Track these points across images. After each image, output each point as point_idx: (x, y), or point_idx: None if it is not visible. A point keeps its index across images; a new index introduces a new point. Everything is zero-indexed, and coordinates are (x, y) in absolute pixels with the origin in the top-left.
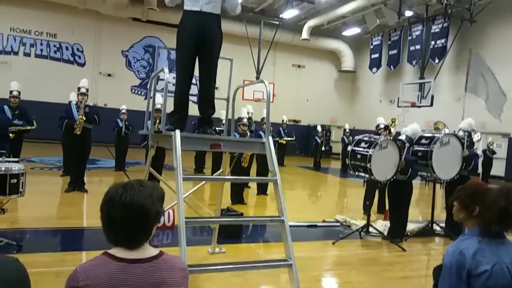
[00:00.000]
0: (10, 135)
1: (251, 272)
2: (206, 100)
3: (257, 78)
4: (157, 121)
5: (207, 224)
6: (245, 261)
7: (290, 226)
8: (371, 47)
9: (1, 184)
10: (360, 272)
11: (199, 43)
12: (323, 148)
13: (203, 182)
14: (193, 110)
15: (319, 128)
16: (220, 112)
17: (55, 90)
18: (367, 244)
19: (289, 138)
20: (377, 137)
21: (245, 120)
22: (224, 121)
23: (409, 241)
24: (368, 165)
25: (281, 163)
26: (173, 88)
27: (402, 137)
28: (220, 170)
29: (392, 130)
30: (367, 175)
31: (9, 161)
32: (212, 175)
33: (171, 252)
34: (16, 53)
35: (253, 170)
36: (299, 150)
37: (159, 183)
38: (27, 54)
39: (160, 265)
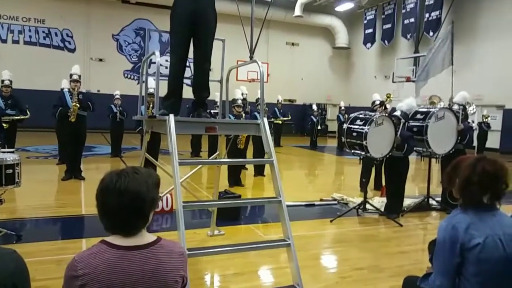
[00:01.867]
0: (4, 125)
1: (250, 253)
2: (201, 83)
3: (251, 58)
4: (151, 105)
5: (205, 208)
6: (244, 242)
7: (288, 206)
8: (365, 22)
9: None
10: (358, 249)
11: (194, 25)
12: (319, 127)
13: (200, 165)
14: (187, 93)
15: (314, 107)
16: (214, 94)
17: (46, 78)
18: (365, 221)
19: (284, 118)
20: (372, 114)
21: (239, 102)
22: (218, 103)
23: (406, 216)
24: (364, 143)
25: (277, 143)
26: (165, 72)
27: (398, 113)
28: (217, 153)
29: (388, 106)
30: (363, 153)
31: (3, 152)
32: (208, 158)
33: (171, 236)
34: (4, 41)
35: (250, 151)
36: (295, 130)
37: (156, 168)
38: (15, 42)
39: (158, 251)
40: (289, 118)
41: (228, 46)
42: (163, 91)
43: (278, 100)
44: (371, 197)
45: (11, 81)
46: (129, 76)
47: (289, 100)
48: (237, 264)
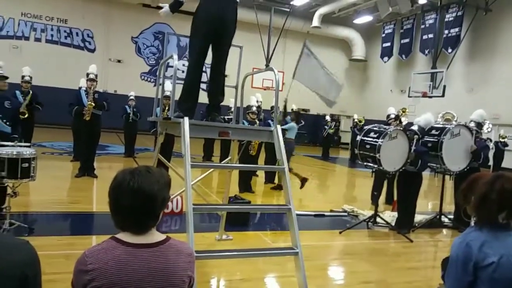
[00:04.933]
0: (21, 116)
1: (258, 260)
2: (216, 88)
3: (267, 66)
4: (166, 108)
5: (214, 211)
6: (252, 248)
7: (297, 215)
8: (383, 35)
9: (13, 168)
10: (367, 262)
11: (216, 32)
12: (330, 131)
13: (211, 169)
14: (202, 97)
15: (328, 118)
16: (229, 100)
17: (65, 76)
18: (374, 235)
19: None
20: (387, 127)
21: (254, 108)
22: (232, 109)
23: (417, 232)
24: (377, 155)
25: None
26: (181, 75)
27: (415, 127)
28: (228, 158)
29: (403, 120)
30: (375, 166)
31: (20, 146)
32: (220, 162)
33: (179, 238)
34: (27, 38)
35: (262, 158)
36: (307, 140)
37: (168, 170)
38: (38, 39)
39: (167, 250)
40: (302, 123)
41: (245, 53)
42: (179, 94)
43: (292, 109)
44: (382, 211)
45: (31, 77)
46: (145, 78)
47: (303, 110)
48: (244, 270)
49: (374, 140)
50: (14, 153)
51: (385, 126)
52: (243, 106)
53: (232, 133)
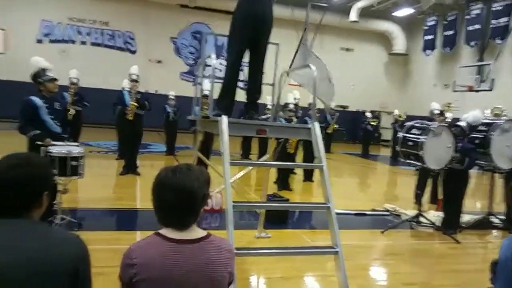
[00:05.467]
0: (68, 117)
1: (297, 258)
2: (255, 86)
3: None
4: (205, 106)
5: (253, 209)
6: (291, 246)
7: (337, 213)
8: (425, 28)
9: (63, 166)
10: (410, 263)
11: (256, 30)
12: (369, 126)
13: (250, 167)
14: (240, 95)
15: (368, 114)
16: (266, 97)
17: (109, 77)
18: (418, 235)
19: (335, 126)
20: (430, 123)
21: (291, 106)
22: (269, 107)
23: (464, 233)
24: (420, 153)
25: (327, 149)
26: (219, 74)
27: (462, 124)
28: (266, 156)
29: (448, 115)
30: (418, 163)
31: (70, 145)
32: (258, 160)
33: (219, 235)
34: (73, 42)
35: (299, 156)
36: (346, 137)
37: (207, 168)
38: (83, 43)
39: (208, 246)
40: (339, 114)
41: (282, 50)
42: (217, 92)
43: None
44: (426, 210)
45: (78, 79)
46: (184, 78)
47: (341, 106)
48: (283, 268)
49: (417, 136)
50: (64, 152)
51: (428, 122)
52: (281, 104)
53: (269, 131)
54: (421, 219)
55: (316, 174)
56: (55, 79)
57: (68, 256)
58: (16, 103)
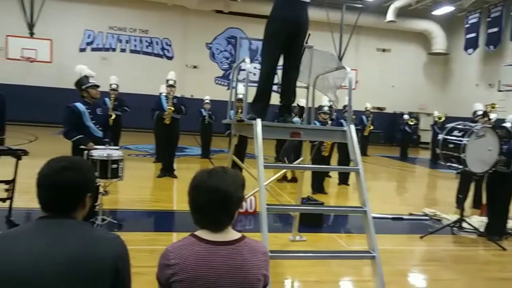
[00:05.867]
0: (110, 121)
1: (332, 262)
2: (289, 89)
3: None
4: (239, 110)
5: (287, 212)
6: (327, 250)
7: (374, 217)
8: (467, 25)
9: (104, 169)
10: (452, 270)
11: (292, 33)
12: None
13: (284, 170)
14: (273, 99)
15: (406, 116)
16: (299, 100)
17: (148, 83)
18: (460, 241)
19: (371, 128)
20: (473, 124)
21: (326, 108)
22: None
23: (511, 239)
24: (462, 155)
25: (364, 152)
26: (253, 78)
27: (507, 125)
28: (300, 159)
29: (492, 116)
30: (460, 166)
31: (110, 148)
32: (292, 163)
33: (253, 238)
34: (114, 49)
35: (334, 159)
36: (383, 139)
37: (242, 171)
38: (123, 50)
39: (243, 248)
40: (371, 127)
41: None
42: (252, 96)
43: (366, 108)
44: (469, 215)
45: (117, 85)
46: (219, 82)
47: (378, 108)
48: (319, 272)
49: (459, 139)
50: (105, 155)
51: (471, 124)
52: (315, 106)
53: (303, 134)
54: (464, 224)
55: (352, 178)
56: (97, 86)
57: (109, 255)
58: (61, 110)
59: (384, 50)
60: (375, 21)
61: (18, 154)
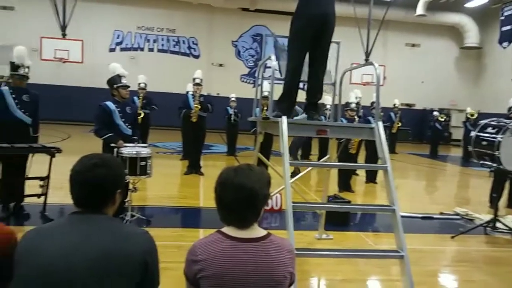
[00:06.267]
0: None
1: (359, 261)
2: (316, 86)
3: (366, 60)
4: (265, 108)
5: (313, 210)
6: (354, 248)
7: (402, 216)
8: (502, 18)
9: (133, 166)
10: (485, 272)
11: (318, 30)
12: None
13: (309, 168)
14: (299, 96)
15: (436, 113)
16: (324, 97)
17: (174, 81)
18: (494, 241)
19: (399, 124)
20: (508, 121)
21: (353, 105)
22: (328, 107)
23: None
24: (496, 153)
25: (392, 150)
26: (279, 75)
27: None
28: (327, 157)
29: None
30: (494, 164)
31: (139, 146)
32: (318, 161)
33: (279, 235)
34: (142, 49)
35: (362, 156)
36: (412, 137)
37: (267, 168)
38: (151, 50)
39: (268, 245)
40: (400, 124)
41: (343, 49)
42: (278, 94)
43: (394, 105)
44: (503, 215)
45: (146, 84)
46: (245, 80)
47: (407, 105)
48: (345, 271)
49: (493, 136)
50: (134, 152)
51: (505, 120)
52: (342, 103)
53: (330, 131)
54: (497, 224)
55: (380, 176)
56: (127, 86)
57: (138, 250)
58: (92, 108)
59: (413, 45)
60: (404, 16)
61: (51, 152)
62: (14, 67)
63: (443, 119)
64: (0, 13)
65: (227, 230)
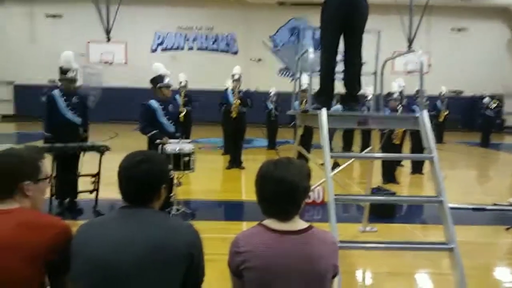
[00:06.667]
0: (180, 117)
1: (406, 254)
2: (353, 77)
3: (409, 48)
4: (304, 101)
5: (356, 202)
6: (400, 241)
7: (451, 208)
8: None
9: (177, 162)
10: None
11: (347, 19)
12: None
13: (351, 159)
14: (339, 88)
15: (486, 99)
16: (365, 88)
17: (214, 78)
18: None
19: (446, 113)
20: None
21: (395, 95)
22: (369, 97)
23: None
24: None
25: (439, 139)
26: (318, 68)
27: None
28: (370, 148)
29: None
30: None
31: (182, 142)
32: (361, 152)
33: (322, 228)
34: (182, 48)
35: (406, 147)
36: (461, 125)
37: (308, 161)
38: (190, 48)
39: (310, 237)
40: (447, 112)
41: (384, 38)
42: (316, 86)
43: (441, 92)
44: None
45: (186, 82)
46: (283, 73)
47: (455, 92)
48: (392, 264)
49: None
50: (177, 149)
51: None
52: (384, 93)
53: (371, 122)
54: None
55: (426, 166)
56: (169, 86)
57: (184, 242)
58: (136, 108)
59: (460, 30)
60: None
61: (101, 150)
62: (63, 71)
63: (495, 105)
64: (49, 21)
65: (269, 222)
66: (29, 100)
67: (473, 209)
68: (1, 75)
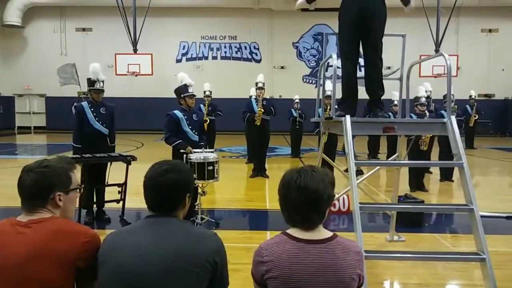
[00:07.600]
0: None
1: (436, 264)
2: (374, 82)
3: (436, 51)
4: (328, 107)
5: (382, 211)
6: (429, 251)
7: (483, 216)
8: None
9: (201, 171)
10: None
11: (363, 23)
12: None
13: (377, 167)
14: (363, 94)
15: None
16: (392, 93)
17: (238, 87)
18: None
19: (476, 117)
20: None
21: (423, 100)
22: (396, 102)
23: None
24: None
25: (470, 145)
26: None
27: None
28: (396, 155)
29: None
30: None
31: (206, 151)
32: (387, 160)
33: (348, 237)
34: (206, 58)
35: (435, 153)
36: (493, 130)
37: (332, 169)
38: (214, 58)
39: (334, 247)
40: (477, 117)
41: (410, 41)
42: (340, 93)
43: (471, 96)
44: None
45: (210, 92)
46: (307, 80)
47: (485, 95)
48: (421, 274)
49: None
50: (201, 158)
51: None
52: (410, 98)
53: (398, 128)
54: None
55: (456, 173)
56: (193, 95)
57: (208, 250)
58: (162, 117)
59: (490, 31)
60: (479, 0)
61: (128, 160)
62: (91, 82)
63: None
64: (80, 34)
65: (292, 231)
66: (61, 112)
67: (506, 217)
68: (34, 88)
